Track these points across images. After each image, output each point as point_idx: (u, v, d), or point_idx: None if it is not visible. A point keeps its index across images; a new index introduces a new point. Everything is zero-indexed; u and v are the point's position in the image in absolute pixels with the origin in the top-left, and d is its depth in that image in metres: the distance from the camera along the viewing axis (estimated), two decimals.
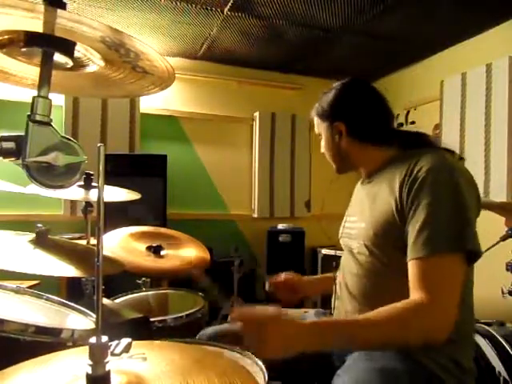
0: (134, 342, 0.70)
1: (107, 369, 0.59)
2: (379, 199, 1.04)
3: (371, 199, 1.08)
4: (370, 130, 1.13)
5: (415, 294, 0.88)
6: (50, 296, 1.15)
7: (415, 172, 0.95)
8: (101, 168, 0.58)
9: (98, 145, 0.57)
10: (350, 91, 1.16)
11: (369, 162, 1.15)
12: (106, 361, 0.59)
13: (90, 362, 0.58)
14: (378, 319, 0.86)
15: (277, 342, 0.82)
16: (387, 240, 0.98)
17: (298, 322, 0.88)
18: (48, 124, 0.64)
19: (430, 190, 0.91)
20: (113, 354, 0.64)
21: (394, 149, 1.11)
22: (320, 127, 1.20)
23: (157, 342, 0.82)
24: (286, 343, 0.83)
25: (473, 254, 0.90)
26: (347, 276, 1.11)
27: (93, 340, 0.59)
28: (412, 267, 0.90)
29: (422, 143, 1.09)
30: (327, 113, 1.16)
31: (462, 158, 1.07)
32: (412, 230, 0.92)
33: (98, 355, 0.58)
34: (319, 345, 0.89)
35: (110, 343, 0.61)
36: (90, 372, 0.58)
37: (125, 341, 0.68)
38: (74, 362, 0.69)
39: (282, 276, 1.35)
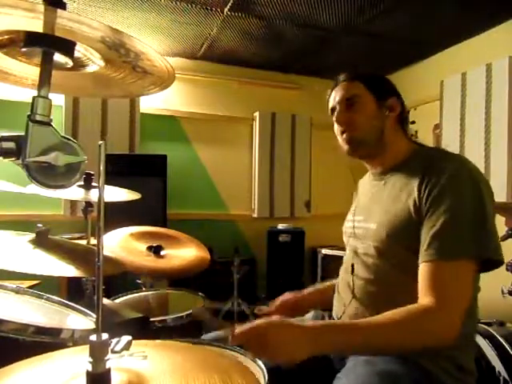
0: (135, 341, 0.70)
1: (107, 366, 0.59)
2: (395, 200, 1.01)
3: (385, 199, 1.05)
4: (406, 119, 1.14)
5: (424, 299, 0.87)
6: (50, 296, 1.15)
7: (437, 175, 0.93)
8: (101, 166, 0.58)
9: (99, 142, 0.57)
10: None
11: (392, 152, 1.09)
12: (106, 358, 0.59)
13: (91, 360, 0.58)
14: (385, 323, 0.85)
15: (279, 348, 0.82)
16: (401, 242, 0.97)
17: (297, 326, 0.85)
18: (48, 124, 0.64)
19: (452, 194, 0.90)
20: (113, 352, 0.64)
21: (414, 144, 1.12)
22: (360, 93, 1.09)
23: (158, 341, 0.82)
24: (287, 348, 0.82)
25: (491, 262, 0.90)
26: (350, 277, 1.08)
27: (93, 337, 0.59)
28: (423, 270, 0.89)
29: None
30: (378, 85, 1.11)
31: None
32: (427, 232, 0.91)
33: (98, 352, 0.58)
34: (324, 349, 0.88)
35: (110, 341, 0.61)
36: (90, 369, 0.58)
37: (125, 338, 0.68)
38: (75, 360, 0.69)
39: (277, 302, 1.26)
